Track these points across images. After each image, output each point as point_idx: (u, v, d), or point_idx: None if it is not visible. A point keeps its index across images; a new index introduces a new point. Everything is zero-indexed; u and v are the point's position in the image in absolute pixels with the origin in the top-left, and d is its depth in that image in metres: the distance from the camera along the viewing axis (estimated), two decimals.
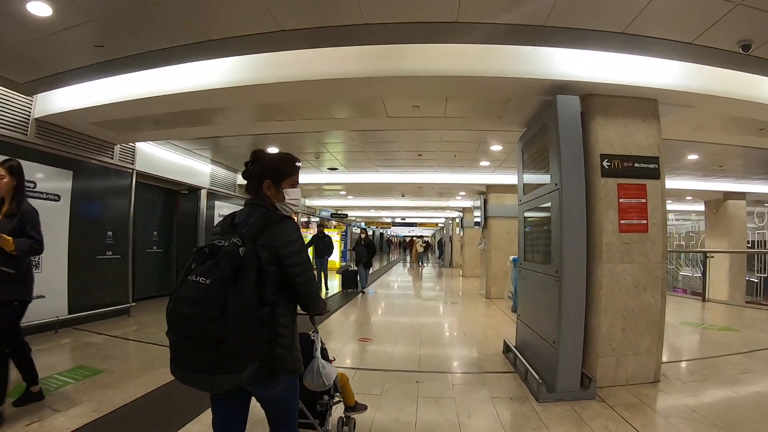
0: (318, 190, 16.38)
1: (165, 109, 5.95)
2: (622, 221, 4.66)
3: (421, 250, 27.71)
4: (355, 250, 13.09)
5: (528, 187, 5.59)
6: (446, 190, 15.24)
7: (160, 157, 9.90)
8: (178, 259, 11.81)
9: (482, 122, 6.13)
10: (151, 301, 10.47)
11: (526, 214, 5.67)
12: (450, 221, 28.17)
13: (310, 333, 2.68)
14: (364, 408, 3.62)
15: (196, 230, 11.71)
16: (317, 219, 23.26)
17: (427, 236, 53.01)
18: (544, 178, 4.88)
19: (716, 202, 14.13)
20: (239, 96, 5.30)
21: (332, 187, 14.71)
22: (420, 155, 9.74)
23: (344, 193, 17.58)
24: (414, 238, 35.70)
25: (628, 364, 4.69)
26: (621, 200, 4.67)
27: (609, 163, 4.70)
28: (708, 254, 12.25)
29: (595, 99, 4.82)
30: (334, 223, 26.98)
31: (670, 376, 4.95)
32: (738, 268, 13.31)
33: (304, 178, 13.41)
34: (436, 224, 35.29)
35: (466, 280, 17.98)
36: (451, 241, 28.12)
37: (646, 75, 4.71)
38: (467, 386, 4.83)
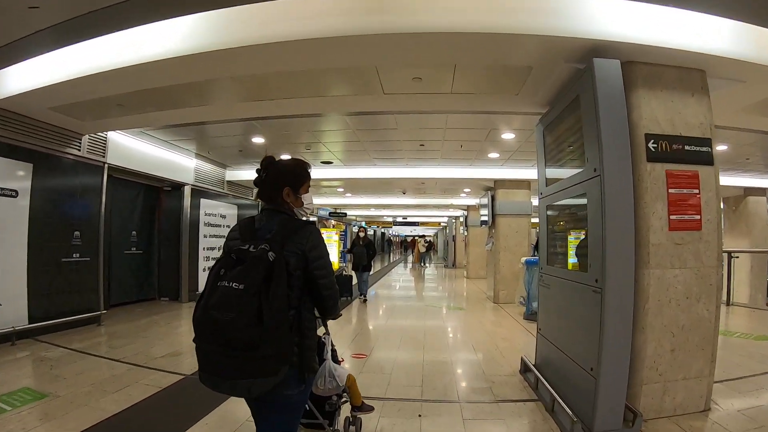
0: (315, 186, 15.49)
1: (124, 87, 5.11)
2: (672, 216, 3.76)
3: (423, 250, 26.75)
4: (352, 252, 11.44)
5: (551, 178, 4.70)
6: (450, 187, 14.32)
7: (137, 150, 9.07)
8: (160, 261, 11.02)
9: (495, 101, 5.20)
10: (129, 307, 9.70)
11: (550, 211, 4.77)
12: (453, 220, 27.26)
13: (321, 335, 2.66)
14: (371, 409, 3.63)
15: (179, 230, 10.88)
16: (315, 218, 22.43)
17: (430, 235, 52.17)
18: (574, 166, 4.02)
19: (735, 199, 13.21)
20: (206, 65, 4.39)
21: (329, 183, 13.80)
22: (422, 145, 8.85)
23: (342, 190, 16.68)
24: (416, 238, 34.79)
25: (676, 391, 3.81)
26: (670, 190, 3.78)
27: (655, 145, 3.80)
28: (732, 254, 11.30)
29: (635, 67, 3.92)
30: (333, 222, 26.12)
31: (720, 401, 4.09)
32: (759, 269, 12.40)
33: None
34: (439, 223, 34.36)
35: (470, 282, 17.09)
36: (454, 240, 27.21)
37: (693, 37, 3.83)
38: (481, 421, 3.91)
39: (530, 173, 10.96)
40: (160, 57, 4.28)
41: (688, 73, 4.04)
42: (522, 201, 11.26)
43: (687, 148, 3.87)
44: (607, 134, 3.48)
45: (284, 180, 2.20)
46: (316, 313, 2.18)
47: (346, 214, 24.19)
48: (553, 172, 4.69)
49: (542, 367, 4.78)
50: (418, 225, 35.08)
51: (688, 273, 3.79)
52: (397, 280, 18.61)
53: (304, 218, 2.30)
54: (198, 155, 10.83)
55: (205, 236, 11.56)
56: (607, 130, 3.49)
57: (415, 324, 8.35)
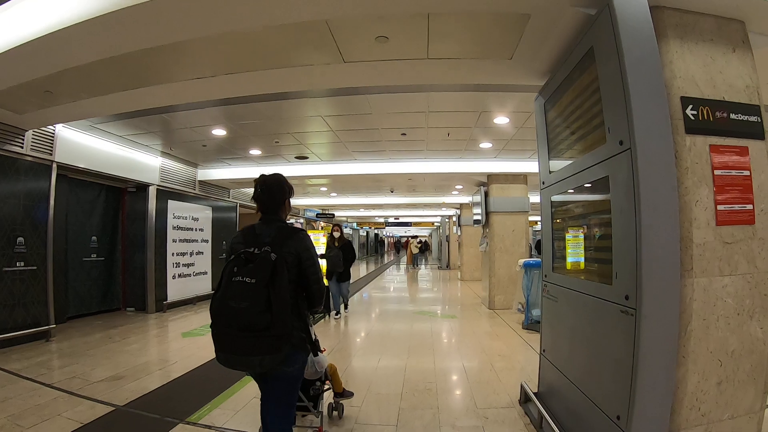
0: (302, 185, 14.57)
1: (41, 68, 4.18)
2: (720, 207, 2.78)
3: (416, 251, 25.71)
4: (327, 258, 9.02)
5: (557, 159, 3.73)
6: (440, 183, 13.34)
7: (92, 148, 8.21)
8: (125, 269, 10.11)
9: (484, 70, 4.16)
10: (89, 319, 8.82)
11: (556, 199, 3.79)
12: (446, 219, 26.30)
13: None
14: (351, 395, 4.09)
15: (144, 235, 9.93)
16: (302, 220, 21.43)
17: (425, 236, 51.26)
18: (588, 144, 3.06)
19: None
20: (132, 28, 3.43)
21: (310, 182, 12.81)
22: (404, 134, 7.87)
23: (325, 189, 15.71)
24: (409, 239, 33.82)
25: None
26: (716, 172, 2.81)
27: (695, 112, 2.83)
28: None
29: (663, 14, 2.94)
30: (322, 224, 25.10)
31: None
32: None
33: (270, 171, 11.53)
34: (432, 223, 33.39)
35: (464, 284, 16.12)
36: (448, 241, 26.23)
37: None
38: None
39: (527, 166, 10.02)
40: (70, 23, 3.33)
41: (726, 23, 3.09)
42: (518, 197, 10.30)
43: (733, 116, 2.90)
44: (638, 94, 2.51)
45: (281, 195, 2.70)
46: None
47: (334, 215, 23.22)
48: (558, 156, 3.73)
49: (546, 397, 3.84)
50: (411, 225, 34.08)
51: (740, 281, 2.81)
52: (386, 284, 17.59)
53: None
54: (164, 153, 9.91)
55: (174, 241, 10.67)
56: (638, 88, 2.52)
57: (399, 337, 7.37)
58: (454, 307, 10.64)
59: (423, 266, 27.81)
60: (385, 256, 49.03)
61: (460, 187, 14.55)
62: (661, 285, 2.42)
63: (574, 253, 3.42)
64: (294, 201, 18.78)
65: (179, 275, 10.92)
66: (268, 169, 10.07)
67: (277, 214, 2.67)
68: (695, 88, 2.87)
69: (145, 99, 5.30)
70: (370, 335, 7.58)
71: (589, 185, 3.09)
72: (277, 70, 4.22)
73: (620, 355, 2.56)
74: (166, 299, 10.19)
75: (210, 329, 2.31)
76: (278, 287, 2.27)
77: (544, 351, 4.01)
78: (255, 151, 9.51)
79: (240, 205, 14.33)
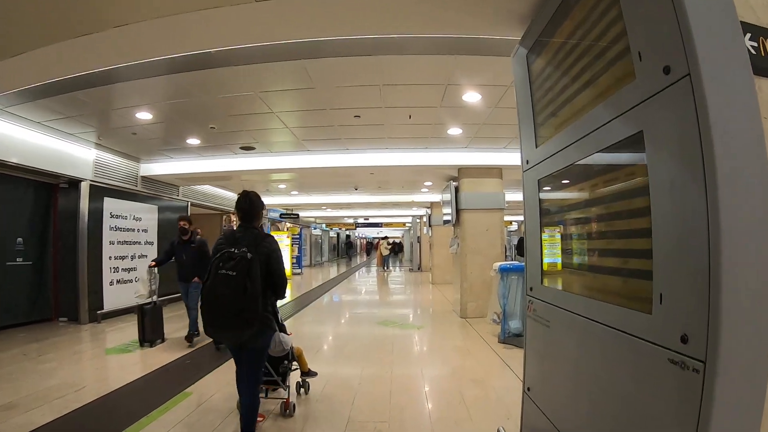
0: (262, 182, 13.37)
1: None
2: None
3: (386, 252, 24.56)
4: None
5: (548, 125, 2.64)
6: (408, 179, 12.27)
7: (11, 137, 7.13)
8: (58, 275, 8.87)
9: (448, 16, 3.06)
10: (13, 331, 7.65)
11: (548, 181, 2.69)
12: (417, 219, 25.29)
13: None
14: (315, 374, 4.75)
15: (75, 236, 8.74)
16: (266, 220, 20.09)
17: (397, 237, 50.23)
18: (601, 92, 1.98)
19: None
20: None
21: (262, 177, 11.57)
22: (357, 116, 6.75)
23: (284, 186, 14.48)
24: (380, 240, 32.79)
25: None
26: None
27: (755, 44, 1.79)
28: None
29: None
30: (288, 225, 23.79)
31: None
32: None
33: (215, 165, 10.27)
34: (404, 224, 32.37)
35: (436, 288, 15.06)
36: (419, 242, 25.21)
37: None
38: None
39: (502, 157, 9.02)
40: None
41: None
42: (493, 192, 9.28)
43: None
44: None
45: (259, 208, 3.51)
46: None
47: (298, 215, 21.96)
48: (549, 121, 2.64)
49: None
50: (382, 226, 32.98)
51: None
52: (352, 289, 16.42)
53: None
54: (99, 145, 8.68)
55: (111, 243, 9.44)
56: None
57: (354, 354, 6.24)
58: (422, 315, 9.56)
59: (395, 268, 26.71)
60: (358, 258, 47.76)
61: (430, 183, 13.52)
62: (760, 322, 1.33)
63: (579, 257, 2.34)
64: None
65: (118, 281, 9.64)
66: (214, 162, 8.70)
67: (252, 223, 3.42)
68: (751, 13, 1.84)
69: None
70: (320, 353, 6.41)
71: (606, 152, 2.00)
72: (162, 21, 3.04)
73: (666, 426, 1.48)
74: (101, 308, 8.95)
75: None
76: (253, 279, 3.03)
77: (528, 390, 2.93)
78: (193, 141, 8.29)
79: (192, 204, 12.96)
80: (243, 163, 9.49)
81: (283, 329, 4.05)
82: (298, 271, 22.28)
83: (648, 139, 1.63)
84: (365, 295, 13.80)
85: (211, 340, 5.52)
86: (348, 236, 52.32)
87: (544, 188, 2.73)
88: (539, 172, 2.71)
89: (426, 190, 15.27)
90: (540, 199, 2.78)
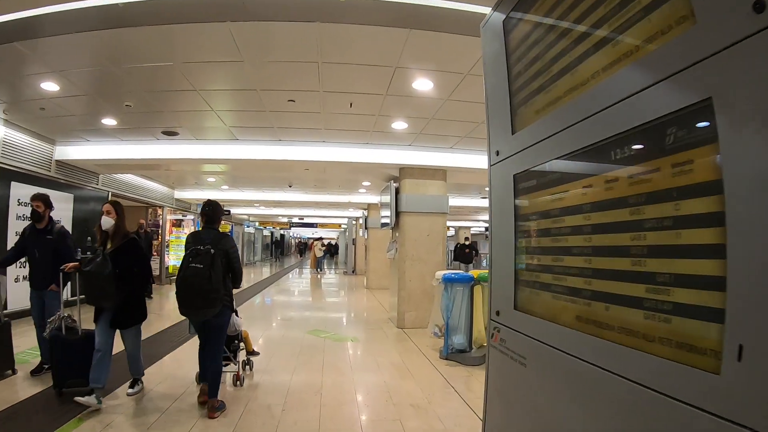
0: (192, 174, 12.28)
1: None
2: None
3: (320, 254, 23.69)
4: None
5: (531, 106, 2.04)
6: (346, 177, 11.61)
7: None
8: None
9: None
10: None
11: (528, 174, 2.09)
12: (353, 221, 24.61)
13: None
14: (257, 353, 5.71)
15: None
16: (192, 216, 18.69)
17: (332, 238, 49.34)
18: (632, 48, 1.40)
19: None
20: None
21: (188, 167, 10.51)
22: (292, 101, 6.01)
23: (214, 180, 13.44)
24: (314, 241, 31.85)
25: None
26: None
27: None
28: None
29: None
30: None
31: None
32: None
33: (136, 151, 9.00)
34: (340, 225, 31.61)
35: (371, 294, 14.46)
36: (354, 244, 24.54)
37: None
38: None
39: (448, 158, 8.57)
40: None
41: None
42: (436, 195, 8.78)
43: None
44: None
45: (220, 214, 4.38)
46: None
47: (230, 211, 20.75)
48: (534, 100, 2.05)
49: None
50: (317, 226, 32.06)
51: None
52: (281, 292, 15.51)
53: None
54: (7, 122, 7.49)
55: (18, 234, 8.07)
56: None
57: (281, 366, 5.49)
58: (356, 325, 8.89)
59: (330, 270, 25.90)
60: (292, 258, 46.41)
61: (368, 183, 12.92)
62: None
63: (582, 279, 1.75)
64: (185, 194, 16.35)
65: (25, 277, 8.33)
66: (135, 148, 7.65)
67: (214, 225, 4.26)
68: None
69: None
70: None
71: (634, 133, 1.41)
72: None
73: None
74: (5, 307, 7.58)
75: None
76: (216, 269, 3.87)
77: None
78: (109, 121, 7.24)
79: (114, 195, 11.61)
80: (166, 150, 8.45)
81: (235, 313, 4.79)
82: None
83: (721, 110, 1.04)
84: (298, 297, 12.94)
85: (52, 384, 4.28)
86: (282, 236, 50.99)
87: (523, 185, 2.13)
88: (516, 165, 2.10)
89: (364, 190, 14.66)
90: (515, 199, 2.18)
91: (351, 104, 5.99)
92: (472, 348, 6.28)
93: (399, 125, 7.03)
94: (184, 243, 4.32)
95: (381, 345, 7.10)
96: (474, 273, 6.44)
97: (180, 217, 17.78)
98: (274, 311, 11.05)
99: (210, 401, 4.06)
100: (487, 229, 22.87)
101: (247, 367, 5.33)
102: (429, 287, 8.47)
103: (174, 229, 17.24)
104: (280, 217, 29.10)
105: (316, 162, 8.46)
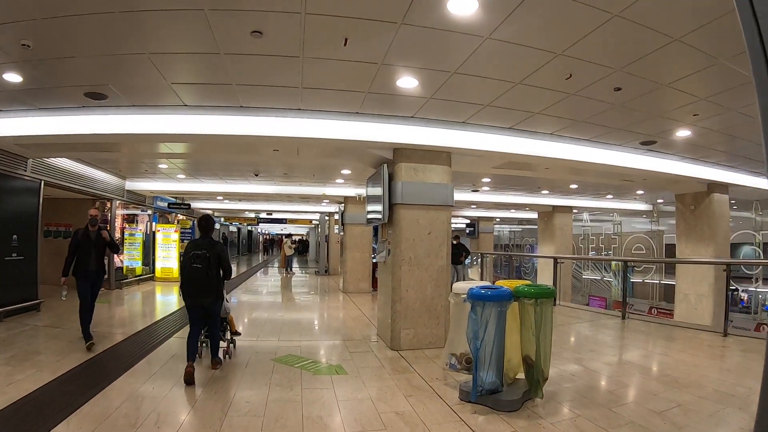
0: (148, 157, 10.25)
1: None
2: None
3: (290, 252, 21.61)
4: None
5: None
6: (324, 162, 9.69)
7: None
8: None
9: None
10: None
11: None
12: (326, 217, 22.67)
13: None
14: (239, 334, 6.72)
15: None
16: (149, 212, 16.37)
17: (300, 234, 47.17)
18: None
19: (695, 196, 10.30)
20: None
21: (132, 147, 8.46)
22: (257, 33, 4.10)
23: (164, 167, 11.37)
24: (283, 237, 29.71)
25: None
26: None
27: None
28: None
29: None
30: (180, 216, 20.14)
31: None
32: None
33: (59, 124, 6.10)
34: (310, 221, 29.57)
35: (349, 299, 12.60)
36: (327, 241, 22.60)
37: None
38: None
39: (455, 137, 6.85)
40: None
41: None
42: (439, 183, 7.01)
43: None
44: None
45: (213, 226, 5.69)
46: None
47: (189, 205, 18.55)
48: None
49: None
50: (286, 222, 29.94)
51: None
52: (247, 299, 13.54)
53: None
54: None
55: None
56: None
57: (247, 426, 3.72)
58: (337, 348, 6.94)
59: (300, 270, 23.85)
60: (259, 256, 43.97)
61: (347, 172, 11.09)
62: None
63: None
64: (138, 185, 14.07)
65: None
66: (58, 121, 6.16)
67: (208, 234, 5.55)
68: None
69: None
70: None
71: None
72: None
73: None
74: None
75: None
76: (212, 269, 5.25)
77: None
78: (12, 77, 5.25)
79: (48, 185, 9.43)
80: (95, 123, 6.32)
81: (225, 300, 5.96)
82: None
83: None
84: (264, 311, 10.97)
85: None
86: (250, 232, 48.57)
87: None
88: None
89: (341, 181, 12.81)
90: None
91: (346, 41, 4.14)
92: (503, 386, 4.58)
93: (407, 82, 5.21)
94: (184, 249, 5.71)
95: (377, 380, 5.30)
96: (505, 283, 4.74)
97: (134, 211, 15.45)
98: (239, 325, 9.09)
99: (213, 359, 5.61)
100: (468, 225, 21.02)
101: (230, 345, 6.22)
102: (428, 299, 6.75)
103: (127, 225, 14.97)
104: (246, 212, 26.89)
105: (289, 139, 6.50)
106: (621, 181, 11.48)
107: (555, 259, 12.89)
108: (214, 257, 5.25)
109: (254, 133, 6.40)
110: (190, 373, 4.92)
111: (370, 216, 8.14)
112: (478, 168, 9.05)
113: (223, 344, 5.97)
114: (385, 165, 6.98)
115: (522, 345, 4.73)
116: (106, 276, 7.25)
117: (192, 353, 5.14)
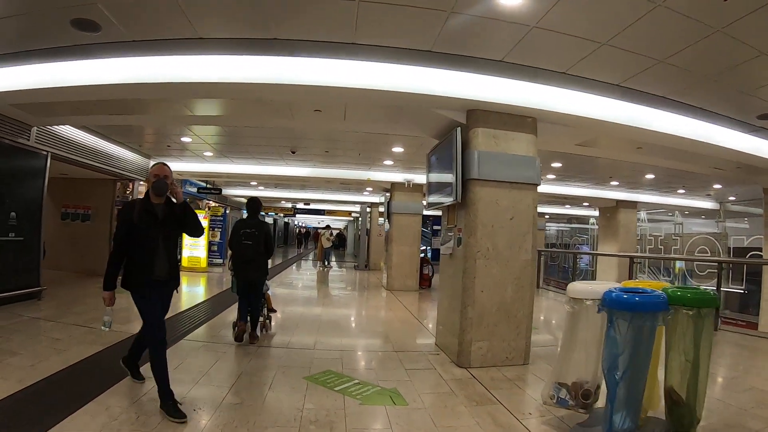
0: (166, 122, 9.24)
1: None
2: None
3: (327, 244, 20.29)
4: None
5: None
6: (374, 131, 8.10)
7: None
8: None
9: None
10: None
11: None
12: (368, 208, 21.27)
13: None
14: (275, 311, 7.24)
15: None
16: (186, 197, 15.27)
17: (338, 228, 46.03)
18: None
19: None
20: None
21: (124, 92, 7.18)
22: None
23: (188, 140, 10.14)
24: (319, 230, 28.51)
25: None
26: None
27: None
28: None
29: None
30: (212, 203, 19.08)
31: None
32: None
33: (52, 73, 5.50)
34: (350, 213, 28.27)
35: (394, 298, 11.12)
36: (368, 234, 21.21)
37: None
38: None
39: (545, 94, 5.27)
40: None
41: None
42: (525, 156, 5.44)
43: None
44: None
45: (260, 207, 6.35)
46: None
47: (221, 190, 17.44)
48: None
49: None
50: (324, 213, 28.75)
51: None
52: (280, 292, 12.26)
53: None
54: None
55: None
56: None
57: None
58: (388, 361, 5.44)
59: (336, 265, 22.53)
60: (294, 249, 42.98)
61: (399, 150, 9.62)
62: None
63: None
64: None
65: None
66: (43, 69, 5.73)
67: (256, 214, 6.16)
68: None
69: None
70: None
71: None
72: None
73: None
74: None
75: None
76: (258, 246, 5.82)
77: None
78: None
79: (55, 158, 8.29)
80: (92, 69, 5.05)
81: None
82: (220, 261, 17.25)
83: None
84: (298, 307, 9.63)
85: None
86: (286, 224, 47.78)
87: None
88: None
89: (390, 162, 11.35)
90: None
91: None
92: (637, 430, 3.06)
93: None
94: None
95: (451, 416, 3.79)
96: (652, 285, 3.21)
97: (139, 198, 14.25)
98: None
99: (251, 333, 5.98)
100: None
101: (267, 321, 6.57)
102: (509, 303, 5.24)
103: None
104: (282, 201, 25.76)
105: (336, 89, 5.00)
106: (711, 169, 9.59)
107: (631, 258, 11.19)
108: (263, 235, 5.89)
109: (292, 81, 4.92)
110: (243, 330, 5.77)
111: (431, 198, 6.64)
112: (559, 144, 7.39)
113: (261, 319, 6.40)
114: (459, 129, 5.45)
115: (668, 373, 3.20)
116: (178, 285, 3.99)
117: (243, 315, 5.87)
